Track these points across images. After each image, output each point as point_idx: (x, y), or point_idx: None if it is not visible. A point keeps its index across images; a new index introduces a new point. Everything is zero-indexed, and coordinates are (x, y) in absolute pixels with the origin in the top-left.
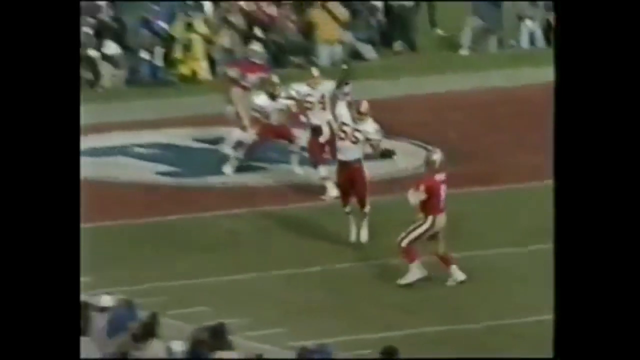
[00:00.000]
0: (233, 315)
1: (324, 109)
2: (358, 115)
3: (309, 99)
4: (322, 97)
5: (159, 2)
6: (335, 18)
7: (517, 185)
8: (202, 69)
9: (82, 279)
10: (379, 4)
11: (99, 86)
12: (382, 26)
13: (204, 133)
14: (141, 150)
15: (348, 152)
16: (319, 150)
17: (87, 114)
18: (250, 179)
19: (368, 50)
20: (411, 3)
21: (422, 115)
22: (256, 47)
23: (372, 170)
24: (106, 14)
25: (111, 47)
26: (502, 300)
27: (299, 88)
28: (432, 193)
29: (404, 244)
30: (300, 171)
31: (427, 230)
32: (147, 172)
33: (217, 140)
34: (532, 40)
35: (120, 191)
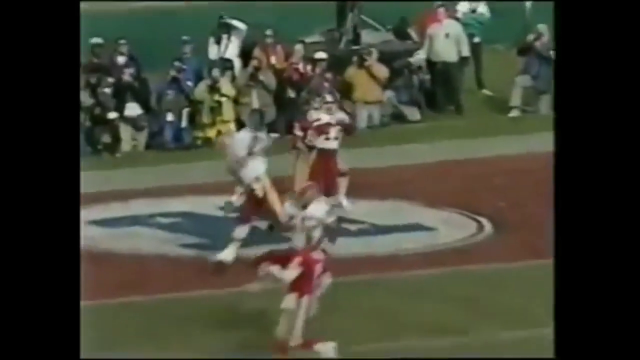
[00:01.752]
0: None
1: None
2: (299, 197)
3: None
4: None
5: (184, 59)
6: (373, 77)
7: None
8: (230, 131)
9: (106, 355)
10: (422, 62)
11: (119, 151)
12: (425, 85)
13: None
14: (163, 220)
15: (300, 240)
16: (251, 208)
17: (107, 180)
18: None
19: (412, 112)
20: (456, 60)
21: (469, 182)
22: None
23: (412, 242)
24: (127, 72)
25: (132, 108)
26: None
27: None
28: (306, 269)
29: (293, 343)
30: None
31: (305, 315)
32: (170, 245)
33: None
34: None
35: (142, 265)
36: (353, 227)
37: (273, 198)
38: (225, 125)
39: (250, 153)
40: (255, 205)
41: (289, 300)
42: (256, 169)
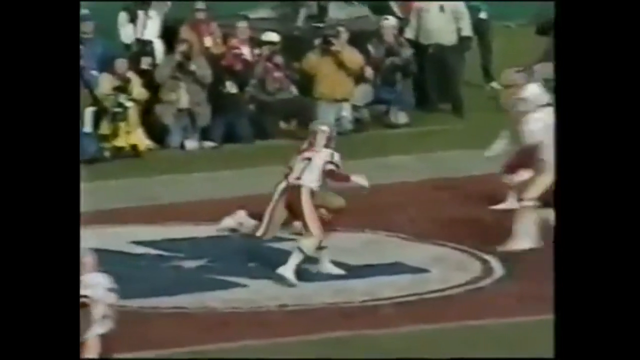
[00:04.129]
0: None
1: None
2: None
3: None
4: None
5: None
6: (343, 65)
7: None
8: (143, 140)
9: None
10: (405, 42)
11: None
12: (411, 74)
13: (149, 233)
14: None
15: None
16: None
17: None
18: (218, 300)
19: (395, 113)
20: (454, 42)
21: (471, 207)
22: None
23: (394, 288)
24: None
25: None
26: None
27: None
28: None
29: None
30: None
31: None
32: None
33: (165, 243)
34: None
35: None
36: (315, 269)
37: None
38: (134, 135)
39: None
40: None
41: None
42: None
